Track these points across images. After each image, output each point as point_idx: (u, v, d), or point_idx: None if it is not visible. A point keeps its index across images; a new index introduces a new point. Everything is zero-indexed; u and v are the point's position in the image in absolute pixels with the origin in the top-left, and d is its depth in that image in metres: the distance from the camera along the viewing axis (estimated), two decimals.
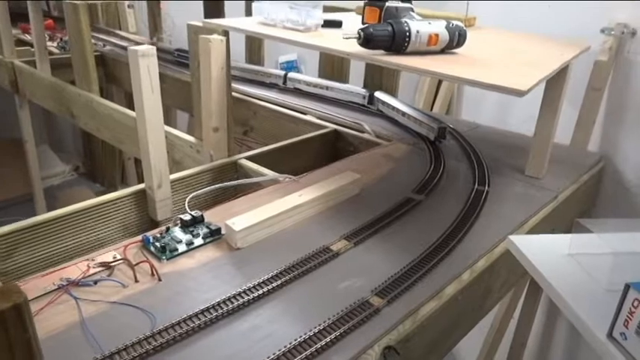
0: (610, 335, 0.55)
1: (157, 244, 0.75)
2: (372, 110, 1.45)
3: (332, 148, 1.35)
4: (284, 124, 1.48)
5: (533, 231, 0.89)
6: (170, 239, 0.77)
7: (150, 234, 0.78)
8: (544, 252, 0.73)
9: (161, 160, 0.95)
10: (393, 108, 1.35)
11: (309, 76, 1.65)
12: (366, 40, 0.82)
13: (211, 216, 0.85)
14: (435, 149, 1.17)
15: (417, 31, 0.83)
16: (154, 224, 0.99)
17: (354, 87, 1.51)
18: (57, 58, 2.04)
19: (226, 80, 1.08)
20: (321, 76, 1.68)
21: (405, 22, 0.83)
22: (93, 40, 2.34)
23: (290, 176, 1.02)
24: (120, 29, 2.92)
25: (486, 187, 0.98)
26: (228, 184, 0.98)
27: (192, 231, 0.79)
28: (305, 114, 1.46)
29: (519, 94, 0.67)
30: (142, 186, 0.98)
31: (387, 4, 0.97)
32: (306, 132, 1.36)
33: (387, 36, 0.82)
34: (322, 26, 1.07)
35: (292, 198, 0.86)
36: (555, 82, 0.95)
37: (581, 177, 1.09)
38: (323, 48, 0.89)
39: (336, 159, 1.22)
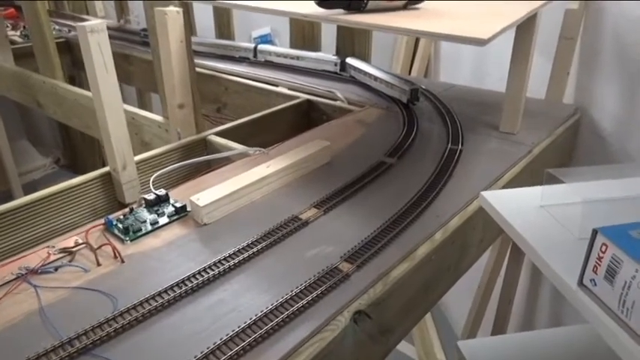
0: (581, 283, 0.53)
1: (120, 225, 0.73)
2: (345, 77, 1.42)
3: (305, 119, 1.32)
4: (256, 97, 1.45)
5: (508, 187, 0.87)
6: (134, 220, 0.74)
7: (113, 216, 0.75)
8: (516, 205, 0.71)
9: (123, 141, 0.92)
10: (365, 73, 1.31)
11: (279, 47, 1.61)
12: None
13: (178, 194, 0.83)
14: (409, 112, 1.14)
15: None
16: (123, 207, 0.96)
17: (325, 55, 1.48)
18: (20, 47, 1.97)
19: (187, 54, 1.04)
20: (292, 46, 1.64)
21: None
22: (58, 27, 2.28)
23: (260, 149, 0.99)
24: (87, 14, 2.84)
25: (460, 146, 0.96)
26: (194, 160, 0.95)
27: (157, 210, 0.77)
28: (277, 86, 1.43)
29: (480, 43, 0.64)
30: (107, 169, 0.95)
31: None
32: (278, 104, 1.33)
33: None
34: None
35: (260, 170, 0.83)
36: (524, 32, 0.92)
37: (557, 130, 1.07)
38: (278, 12, 0.86)
39: (309, 129, 1.20)
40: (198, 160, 0.95)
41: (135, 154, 1.02)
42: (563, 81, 1.18)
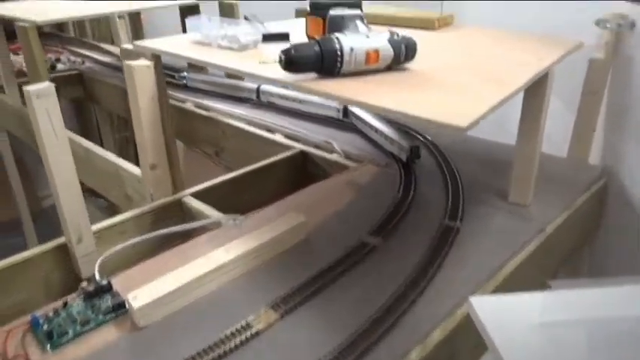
0: None
1: (45, 327, 0.63)
2: (348, 124, 1.31)
3: (301, 172, 1.21)
4: (253, 143, 1.35)
5: (511, 280, 0.73)
6: (64, 318, 0.65)
7: (42, 312, 0.66)
8: (510, 319, 0.58)
9: (78, 212, 0.83)
10: (366, 123, 1.20)
11: (283, 89, 1.51)
12: (288, 62, 0.68)
13: (127, 281, 0.73)
14: (407, 172, 1.02)
15: (352, 49, 0.69)
16: (80, 282, 0.87)
17: (329, 100, 1.37)
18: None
19: (161, 111, 0.95)
20: None
21: (336, 38, 0.69)
22: (72, 57, 2.27)
23: (235, 216, 0.89)
24: (112, 42, 2.84)
25: (458, 222, 0.83)
26: (153, 234, 0.85)
27: (94, 305, 0.67)
28: (273, 132, 1.33)
29: (459, 130, 0.52)
30: (62, 239, 0.87)
31: (331, 12, 0.82)
32: (274, 153, 1.23)
33: (313, 57, 0.68)
34: (264, 41, 0.93)
35: (218, 255, 0.73)
36: (534, 94, 0.79)
37: (578, 199, 0.93)
38: (246, 73, 0.76)
39: (304, 184, 1.10)
40: (158, 234, 0.85)
41: (118, 207, 0.94)
42: (588, 139, 1.03)
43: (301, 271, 0.72)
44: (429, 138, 1.17)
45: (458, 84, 0.67)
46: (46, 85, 0.75)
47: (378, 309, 0.64)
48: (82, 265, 0.86)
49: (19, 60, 2.07)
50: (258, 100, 1.54)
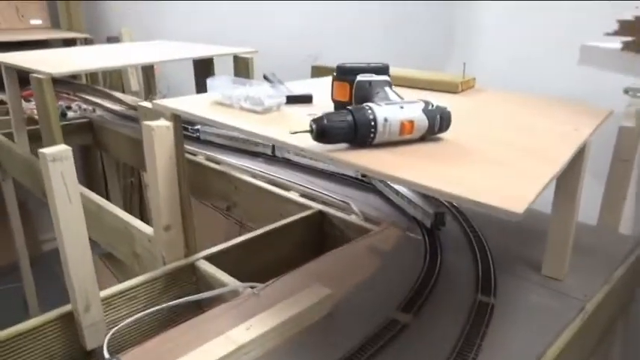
0: None
1: None
2: (366, 184, 1.27)
3: (318, 233, 1.17)
4: (266, 201, 1.31)
5: None
6: None
7: None
8: None
9: (87, 280, 0.78)
10: (386, 184, 1.17)
11: None
12: (320, 133, 0.65)
13: (137, 358, 0.67)
14: (432, 239, 0.97)
15: (385, 119, 0.66)
16: (85, 354, 0.82)
17: None
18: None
19: (178, 171, 0.92)
20: None
21: (369, 108, 0.66)
22: (84, 105, 2.27)
23: (252, 285, 0.84)
24: (123, 89, 2.86)
25: (492, 298, 0.78)
26: (163, 306, 0.79)
27: None
28: (288, 189, 1.29)
29: (514, 216, 0.48)
30: (69, 307, 0.82)
31: (359, 78, 0.80)
32: (289, 211, 1.19)
33: (346, 127, 0.65)
34: (287, 102, 0.91)
35: (237, 334, 0.68)
36: (571, 168, 0.75)
37: (616, 272, 0.88)
38: (275, 141, 0.73)
39: (322, 246, 1.05)
40: (170, 305, 0.80)
41: (124, 266, 0.88)
42: (619, 207, 0.99)
43: (328, 353, 0.67)
44: (455, 203, 1.13)
45: (498, 158, 0.64)
46: (63, 149, 0.72)
47: None
48: (87, 335, 0.80)
49: (29, 106, 2.07)
50: (273, 156, 1.51)
